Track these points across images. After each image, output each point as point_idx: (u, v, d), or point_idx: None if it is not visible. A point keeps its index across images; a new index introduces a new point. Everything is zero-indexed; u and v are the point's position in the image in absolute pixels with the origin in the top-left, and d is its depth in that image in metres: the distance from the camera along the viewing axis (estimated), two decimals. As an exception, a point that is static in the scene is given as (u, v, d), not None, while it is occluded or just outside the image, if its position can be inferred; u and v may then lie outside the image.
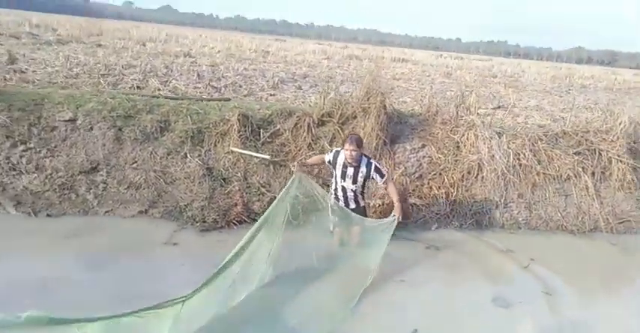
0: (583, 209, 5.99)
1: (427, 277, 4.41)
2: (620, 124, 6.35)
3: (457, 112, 6.54)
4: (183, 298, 2.95)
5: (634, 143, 6.35)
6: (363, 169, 4.16)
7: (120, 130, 5.80)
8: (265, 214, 3.88)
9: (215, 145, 5.97)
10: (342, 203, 4.32)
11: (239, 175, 5.75)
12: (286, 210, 3.99)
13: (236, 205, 5.42)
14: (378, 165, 4.27)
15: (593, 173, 6.16)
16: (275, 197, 5.47)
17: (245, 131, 5.98)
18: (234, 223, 5.21)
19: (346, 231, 4.47)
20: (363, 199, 4.43)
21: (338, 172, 4.24)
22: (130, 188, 5.53)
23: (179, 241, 4.79)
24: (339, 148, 4.32)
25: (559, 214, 5.94)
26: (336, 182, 4.32)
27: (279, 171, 5.84)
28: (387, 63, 19.14)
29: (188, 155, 5.81)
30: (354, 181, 4.20)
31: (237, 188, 5.61)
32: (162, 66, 10.37)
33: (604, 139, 6.34)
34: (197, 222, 5.13)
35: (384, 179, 4.21)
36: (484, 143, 6.09)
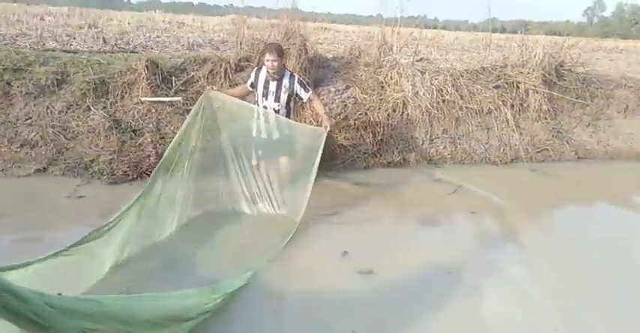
0: (504, 141, 6.11)
1: (356, 209, 4.27)
2: (534, 56, 6.49)
3: (380, 53, 6.37)
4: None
5: (548, 75, 6.53)
6: (286, 83, 3.82)
7: (8, 84, 5.12)
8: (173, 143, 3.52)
9: (122, 97, 5.41)
10: (264, 135, 3.94)
11: (151, 125, 5.26)
12: (197, 136, 3.69)
13: (149, 156, 4.94)
14: (301, 78, 3.97)
15: (512, 105, 6.27)
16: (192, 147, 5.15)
17: (155, 79, 5.46)
18: (147, 174, 4.72)
19: (272, 163, 4.11)
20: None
21: (260, 90, 3.87)
22: (24, 146, 4.88)
23: (85, 194, 4.29)
24: (260, 66, 3.96)
25: (482, 147, 6.02)
26: (257, 105, 3.94)
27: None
28: (310, 29, 18.73)
29: (91, 108, 5.23)
30: (277, 99, 3.84)
31: (149, 139, 5.12)
32: (63, 34, 9.34)
33: (521, 72, 6.46)
34: (104, 175, 4.63)
35: (309, 93, 3.91)
36: (408, 81, 6.00)
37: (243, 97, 4.13)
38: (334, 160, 5.31)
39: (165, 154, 3.48)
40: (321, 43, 13.31)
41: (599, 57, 12.84)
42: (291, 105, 4.01)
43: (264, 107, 3.88)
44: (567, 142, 6.41)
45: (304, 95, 3.91)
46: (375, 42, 6.53)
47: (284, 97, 3.85)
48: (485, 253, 3.62)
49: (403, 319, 2.69)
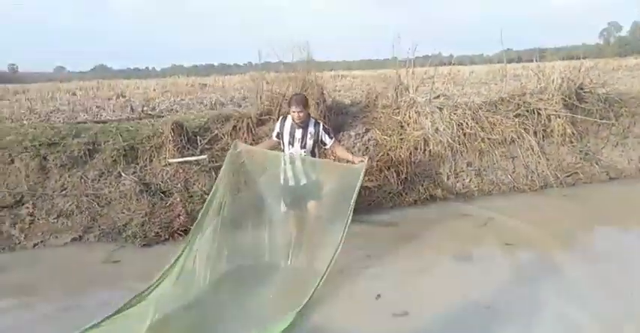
0: (531, 168, 6.04)
1: (387, 250, 4.23)
2: (552, 82, 6.50)
3: (397, 94, 6.49)
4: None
5: (568, 99, 6.49)
6: (311, 130, 3.92)
7: (44, 158, 5.37)
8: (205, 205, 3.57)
9: (150, 160, 5.61)
10: (291, 182, 3.97)
11: (179, 186, 5.41)
12: (224, 191, 3.72)
13: (179, 216, 5.06)
14: (326, 125, 4.07)
15: (535, 132, 6.23)
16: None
17: (181, 141, 5.66)
18: (178, 234, 4.84)
19: (302, 210, 4.07)
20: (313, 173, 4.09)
21: (286, 138, 3.96)
22: (60, 217, 5.07)
23: (120, 258, 4.39)
24: (285, 116, 4.06)
25: (509, 177, 5.95)
26: (284, 153, 4.02)
27: (221, 176, 5.54)
28: (327, 78, 19.17)
29: (122, 174, 5.43)
30: (303, 145, 3.91)
31: (178, 199, 5.25)
32: (94, 106, 9.88)
33: (540, 99, 6.45)
34: (137, 238, 4.74)
35: (333, 140, 4.01)
36: (426, 118, 6.06)
37: (271, 150, 4.25)
38: (359, 203, 5.29)
39: (200, 214, 3.55)
40: (339, 90, 13.57)
41: (621, 76, 12.67)
42: (316, 150, 4.08)
43: (291, 154, 3.96)
44: (597, 164, 6.28)
45: (328, 141, 4.00)
46: (391, 84, 6.65)
47: (310, 143, 3.94)
48: (523, 285, 3.50)
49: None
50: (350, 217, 3.44)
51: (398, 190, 5.53)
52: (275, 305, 3.26)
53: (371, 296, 3.34)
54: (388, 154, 5.79)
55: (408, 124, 6.13)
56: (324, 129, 4.00)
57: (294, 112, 3.81)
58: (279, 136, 4.06)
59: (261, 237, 4.07)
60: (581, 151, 6.32)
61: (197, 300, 3.39)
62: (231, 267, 3.85)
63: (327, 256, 3.57)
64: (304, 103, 3.85)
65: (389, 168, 5.66)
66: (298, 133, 3.92)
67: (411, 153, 5.83)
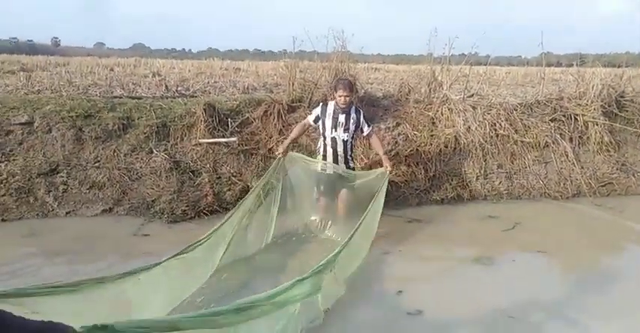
0: (564, 175, 5.88)
1: (410, 247, 4.21)
2: (592, 88, 6.30)
3: (430, 90, 6.41)
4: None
5: (608, 106, 6.30)
6: (353, 115, 4.04)
7: (80, 130, 5.50)
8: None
9: (182, 139, 5.70)
10: (329, 171, 4.15)
11: (208, 166, 5.49)
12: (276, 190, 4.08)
13: (206, 196, 5.15)
14: (365, 114, 4.18)
15: (571, 138, 6.07)
16: (247, 186, 5.31)
17: (212, 122, 5.73)
18: (204, 214, 4.95)
19: (332, 200, 4.27)
20: (352, 159, 4.26)
21: (328, 122, 4.05)
22: (92, 188, 5.21)
23: (149, 232, 4.50)
24: (325, 102, 4.21)
25: (541, 182, 5.82)
26: (324, 137, 4.13)
27: (249, 159, 5.60)
28: (360, 71, 19.03)
29: (154, 150, 5.53)
30: (346, 129, 4.03)
31: (206, 180, 5.34)
32: (130, 83, 10.06)
33: (578, 104, 6.27)
34: (165, 215, 4.85)
35: (371, 129, 4.15)
36: (459, 116, 5.97)
37: (302, 134, 4.53)
38: (386, 196, 5.28)
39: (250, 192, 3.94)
40: (372, 83, 13.46)
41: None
42: (355, 136, 4.22)
43: (333, 139, 4.08)
44: (633, 175, 6.08)
45: (366, 129, 4.14)
46: (424, 79, 6.57)
47: (352, 127, 4.06)
48: (552, 296, 3.37)
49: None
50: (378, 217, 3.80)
51: (425, 187, 5.48)
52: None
53: (391, 291, 3.33)
54: (417, 150, 5.73)
55: (439, 121, 6.06)
56: (364, 117, 4.14)
57: (340, 96, 3.92)
58: (318, 120, 4.12)
59: (296, 216, 4.41)
60: (617, 161, 6.13)
61: (251, 259, 3.82)
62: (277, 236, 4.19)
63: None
64: (351, 88, 4.00)
65: (417, 164, 5.61)
66: (342, 117, 4.03)
67: (440, 150, 5.77)
